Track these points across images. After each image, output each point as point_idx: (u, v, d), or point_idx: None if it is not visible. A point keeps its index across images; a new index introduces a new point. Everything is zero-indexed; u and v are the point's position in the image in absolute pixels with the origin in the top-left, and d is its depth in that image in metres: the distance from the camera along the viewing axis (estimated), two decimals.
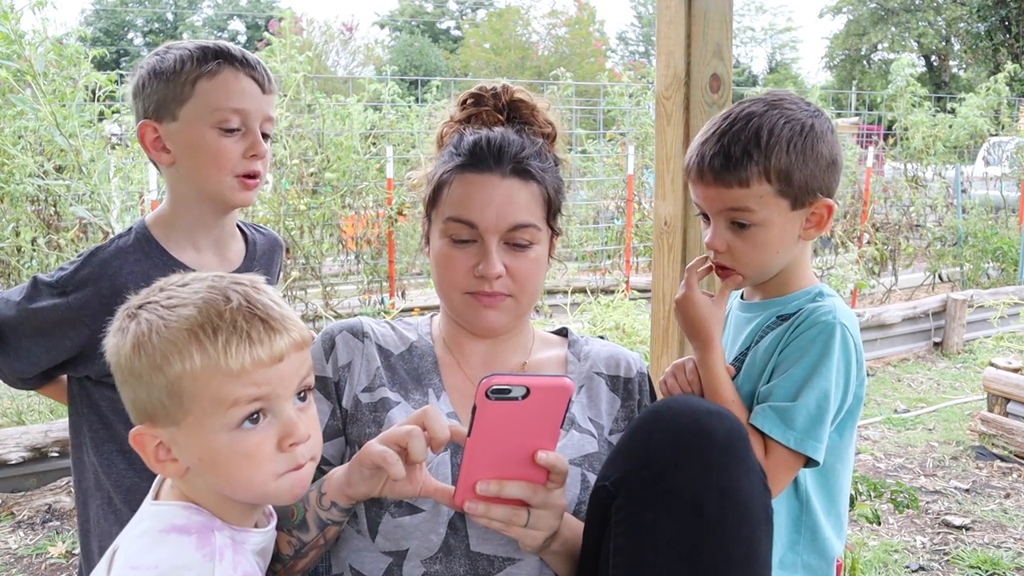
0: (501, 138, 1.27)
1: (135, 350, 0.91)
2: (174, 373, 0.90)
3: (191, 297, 0.93)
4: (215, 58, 1.34)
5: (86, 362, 1.37)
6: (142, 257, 1.36)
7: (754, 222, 1.26)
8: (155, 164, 1.44)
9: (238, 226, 1.53)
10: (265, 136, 1.39)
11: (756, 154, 1.23)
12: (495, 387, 0.99)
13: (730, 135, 1.25)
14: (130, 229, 1.42)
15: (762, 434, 1.22)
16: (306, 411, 0.99)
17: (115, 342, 0.94)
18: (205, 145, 1.34)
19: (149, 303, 0.94)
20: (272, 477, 0.94)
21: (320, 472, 1.26)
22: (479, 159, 1.25)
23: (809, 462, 1.23)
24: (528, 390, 1.00)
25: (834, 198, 1.30)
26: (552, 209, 1.30)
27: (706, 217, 1.32)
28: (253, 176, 1.38)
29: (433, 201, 1.30)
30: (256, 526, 1.03)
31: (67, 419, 1.50)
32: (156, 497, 1.01)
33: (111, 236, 1.47)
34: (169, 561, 0.90)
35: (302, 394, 0.98)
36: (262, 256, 1.54)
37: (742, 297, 1.43)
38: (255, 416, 0.92)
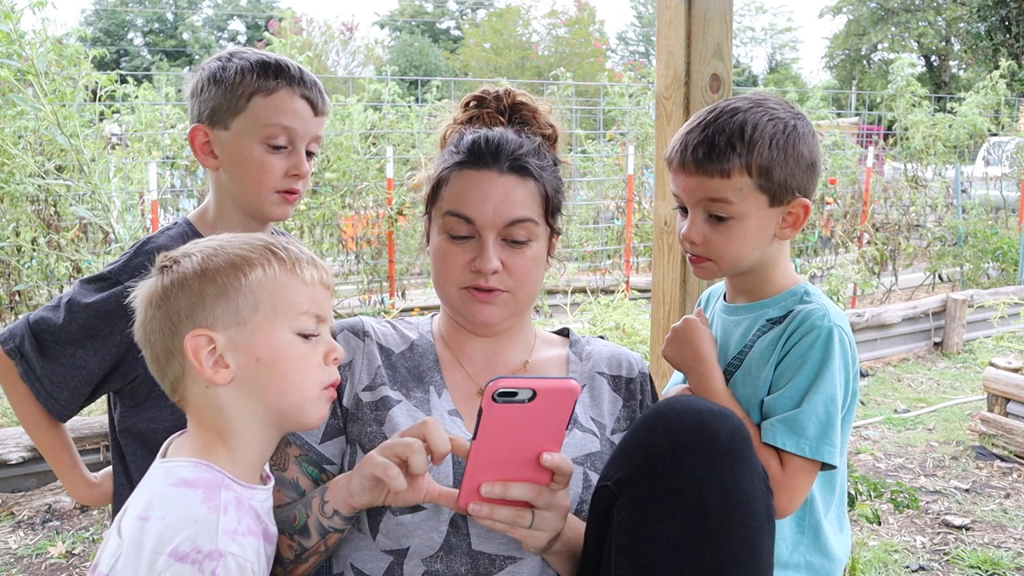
0: (500, 136, 1.28)
1: (207, 260, 1.01)
2: (256, 276, 1.01)
3: (238, 240, 1.05)
4: (275, 76, 1.36)
5: (131, 363, 1.36)
6: None
7: (732, 215, 1.27)
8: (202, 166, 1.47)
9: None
10: (311, 154, 1.42)
11: (739, 146, 1.24)
12: (502, 390, 0.99)
13: (715, 126, 1.27)
14: (175, 223, 1.45)
15: (775, 449, 1.21)
16: None
17: (156, 280, 1.03)
18: (251, 159, 1.37)
19: (190, 253, 1.03)
20: (317, 386, 1.05)
21: (322, 472, 1.27)
22: (477, 156, 1.26)
23: (823, 467, 1.23)
24: (534, 392, 1.00)
25: (812, 201, 1.31)
26: (550, 207, 1.30)
27: (684, 211, 1.33)
28: (292, 192, 1.41)
29: (433, 198, 1.31)
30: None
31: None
32: (164, 456, 1.05)
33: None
34: (176, 512, 0.94)
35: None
36: None
37: (724, 299, 1.43)
38: (309, 336, 1.04)
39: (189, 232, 1.41)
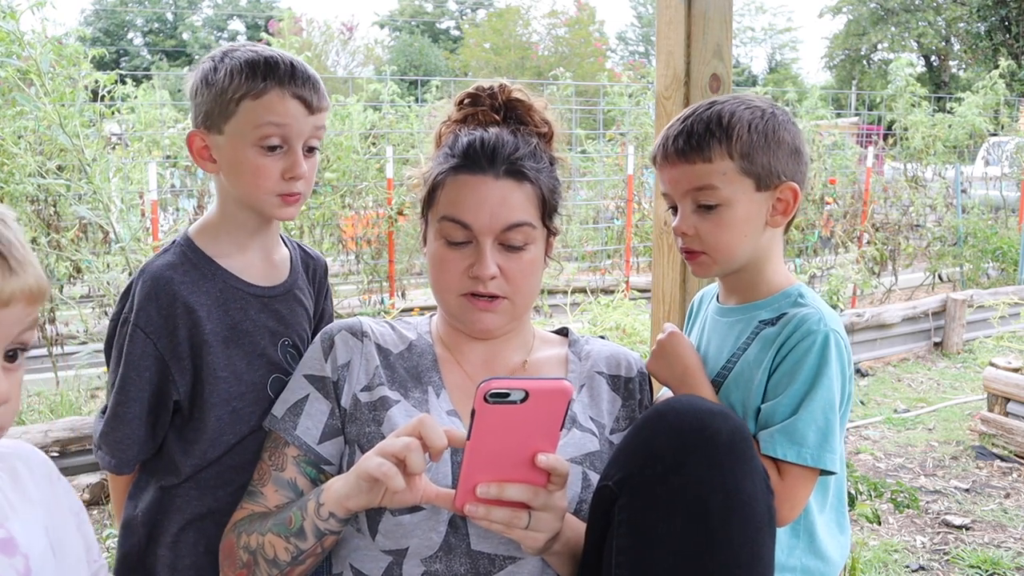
0: (495, 139, 1.27)
1: None
2: None
3: None
4: (264, 77, 1.31)
5: (171, 391, 1.35)
6: (190, 268, 1.36)
7: (720, 201, 1.27)
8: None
9: (280, 237, 1.53)
10: (313, 149, 1.38)
11: (718, 131, 1.27)
12: (493, 391, 0.98)
13: (693, 117, 1.30)
14: (173, 242, 1.41)
15: (772, 459, 1.20)
16: (13, 372, 0.90)
17: None
18: (246, 162, 1.33)
19: None
20: None
21: (320, 473, 1.27)
22: (473, 160, 1.25)
23: (822, 473, 1.22)
24: (527, 394, 0.99)
25: (802, 189, 1.32)
26: (547, 209, 1.30)
27: (675, 209, 1.34)
28: (292, 195, 1.37)
29: (429, 202, 1.30)
30: None
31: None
32: None
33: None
34: None
35: (12, 352, 0.90)
36: (306, 270, 1.55)
37: (718, 300, 1.42)
38: None
39: (188, 248, 1.38)
